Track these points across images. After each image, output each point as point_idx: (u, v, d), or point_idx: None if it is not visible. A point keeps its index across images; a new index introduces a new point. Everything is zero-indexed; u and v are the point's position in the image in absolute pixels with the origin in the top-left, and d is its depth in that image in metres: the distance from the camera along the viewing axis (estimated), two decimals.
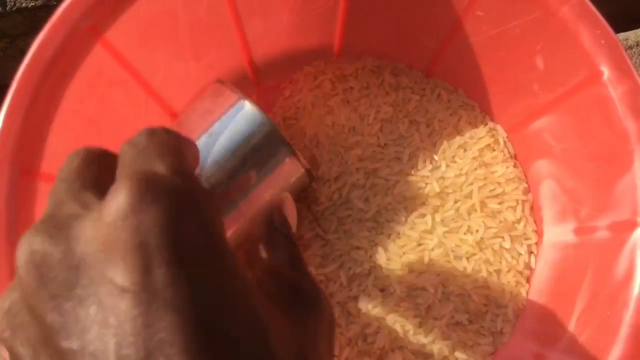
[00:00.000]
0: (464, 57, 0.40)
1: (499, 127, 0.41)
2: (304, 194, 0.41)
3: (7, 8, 0.44)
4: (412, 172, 0.40)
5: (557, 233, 0.37)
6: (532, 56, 0.35)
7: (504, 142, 0.41)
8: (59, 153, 0.33)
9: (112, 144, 0.38)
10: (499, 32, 0.36)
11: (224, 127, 0.33)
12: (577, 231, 0.35)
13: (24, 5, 0.44)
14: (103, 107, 0.36)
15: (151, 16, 0.35)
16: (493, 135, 0.41)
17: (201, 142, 0.33)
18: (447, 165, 0.40)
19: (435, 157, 0.40)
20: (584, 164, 0.35)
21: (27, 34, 0.49)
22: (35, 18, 0.47)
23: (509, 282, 0.38)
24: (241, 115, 0.33)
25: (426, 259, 0.38)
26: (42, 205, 0.32)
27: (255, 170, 0.33)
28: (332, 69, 0.44)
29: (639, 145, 0.31)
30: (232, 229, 0.34)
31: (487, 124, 0.41)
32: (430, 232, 0.38)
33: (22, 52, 0.50)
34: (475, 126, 0.41)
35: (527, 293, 0.38)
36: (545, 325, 0.35)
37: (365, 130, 0.41)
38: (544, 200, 0.39)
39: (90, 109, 0.35)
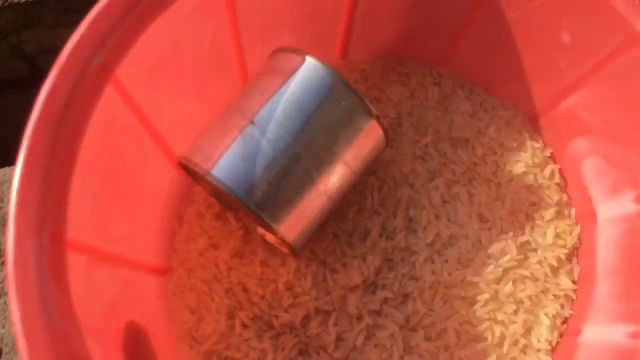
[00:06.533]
0: (479, 48, 0.39)
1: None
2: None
3: (0, 3, 0.43)
4: None
5: (613, 207, 0.36)
6: (556, 32, 0.35)
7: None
8: (82, 217, 0.28)
9: (125, 201, 0.34)
10: (517, 15, 0.35)
11: (287, 87, 0.31)
12: (638, 199, 0.34)
13: (16, 0, 0.43)
14: (116, 159, 0.32)
15: (158, 51, 0.32)
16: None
17: (267, 106, 0.30)
18: None
19: None
20: (632, 131, 0.34)
21: (19, 30, 0.47)
22: (28, 14, 0.45)
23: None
24: (304, 72, 0.31)
25: None
26: (75, 277, 0.27)
27: (325, 127, 0.31)
28: None
29: None
30: (303, 190, 0.31)
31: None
32: None
33: (14, 48, 0.49)
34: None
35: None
36: (631, 303, 0.33)
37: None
38: (588, 180, 0.38)
39: (104, 161, 0.31)
